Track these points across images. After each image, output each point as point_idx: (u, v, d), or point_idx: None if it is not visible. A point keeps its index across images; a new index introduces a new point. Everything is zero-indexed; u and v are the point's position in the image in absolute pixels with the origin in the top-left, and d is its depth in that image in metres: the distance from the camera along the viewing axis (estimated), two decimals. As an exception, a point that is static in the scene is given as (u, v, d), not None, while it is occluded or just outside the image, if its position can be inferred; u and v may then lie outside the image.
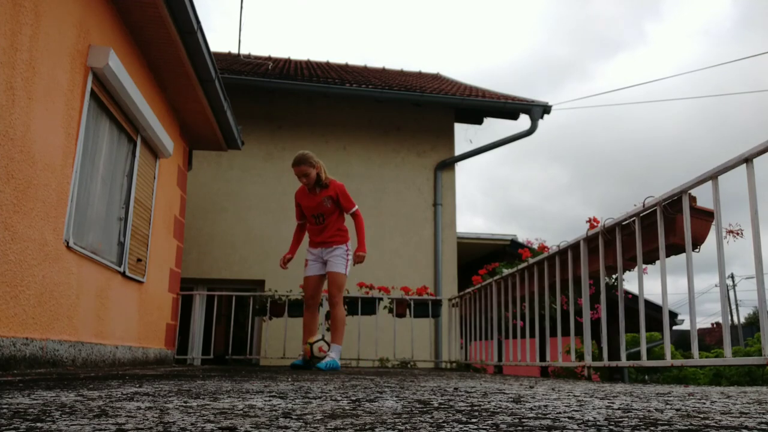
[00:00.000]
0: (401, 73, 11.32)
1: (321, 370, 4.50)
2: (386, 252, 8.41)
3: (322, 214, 4.87)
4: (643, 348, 3.25)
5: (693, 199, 2.97)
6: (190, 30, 4.49)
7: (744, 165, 2.51)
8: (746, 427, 1.01)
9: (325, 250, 4.89)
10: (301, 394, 1.72)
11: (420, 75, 11.48)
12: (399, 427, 0.99)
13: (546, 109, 8.73)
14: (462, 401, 1.51)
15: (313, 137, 8.68)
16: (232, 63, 9.47)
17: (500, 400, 1.55)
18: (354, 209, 4.92)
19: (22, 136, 2.97)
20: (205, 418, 1.09)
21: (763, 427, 1.02)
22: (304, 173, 4.79)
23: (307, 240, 5.13)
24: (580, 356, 4.04)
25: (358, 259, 4.91)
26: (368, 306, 6.70)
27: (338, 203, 4.88)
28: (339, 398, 1.57)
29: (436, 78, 11.27)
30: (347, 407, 1.32)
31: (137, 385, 2.03)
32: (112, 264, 4.35)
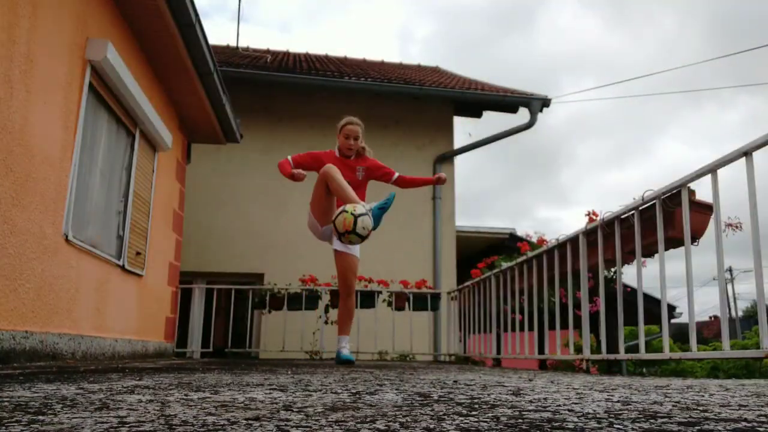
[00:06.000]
0: (400, 66, 11.29)
1: (341, 360, 4.14)
2: (385, 245, 8.39)
3: (350, 184, 4.10)
4: (642, 341, 3.26)
5: (692, 192, 2.98)
6: (188, 22, 4.47)
7: (743, 158, 2.52)
8: (745, 420, 1.01)
9: None
10: (301, 386, 1.73)
11: (419, 68, 11.46)
12: (400, 420, 0.99)
13: (545, 102, 8.72)
14: (462, 394, 1.52)
15: (312, 130, 8.65)
16: (231, 56, 9.44)
17: (500, 393, 1.56)
18: (397, 174, 4.57)
19: (20, 129, 2.97)
20: (206, 411, 1.10)
21: (763, 419, 1.03)
22: (356, 136, 4.34)
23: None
24: (578, 349, 4.05)
25: (442, 181, 4.56)
26: (367, 299, 6.71)
27: (371, 176, 4.48)
28: (339, 391, 1.57)
29: (435, 71, 11.25)
30: (347, 400, 1.32)
31: (137, 378, 2.04)
32: (111, 257, 4.35)
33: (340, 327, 4.34)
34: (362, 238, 3.68)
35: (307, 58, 10.70)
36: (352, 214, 3.63)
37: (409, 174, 4.97)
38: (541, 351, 4.69)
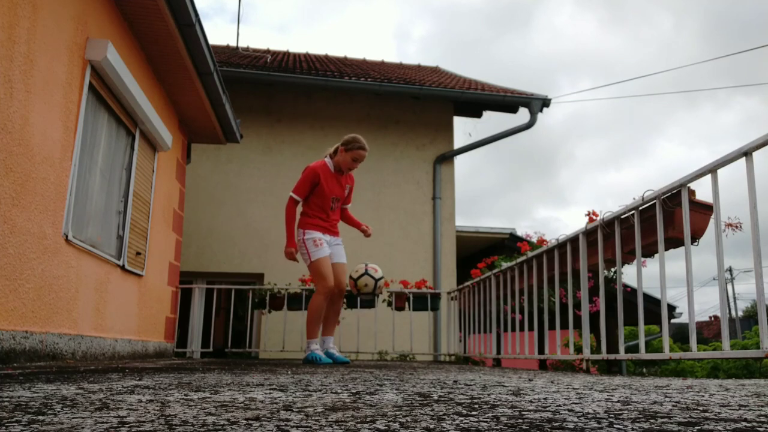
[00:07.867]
0: (400, 66, 11.29)
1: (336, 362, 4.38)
2: (385, 245, 8.40)
3: (339, 200, 4.66)
4: (642, 341, 3.26)
5: (692, 192, 2.98)
6: (188, 22, 4.47)
7: (743, 158, 2.52)
8: (745, 420, 1.01)
9: (333, 239, 4.64)
10: (302, 386, 1.72)
11: (419, 68, 11.46)
12: (400, 420, 0.99)
13: (545, 102, 8.72)
14: (462, 394, 1.52)
15: (312, 131, 8.66)
16: (231, 56, 9.44)
17: (500, 393, 1.56)
18: (350, 205, 4.85)
19: (20, 129, 2.97)
20: (206, 411, 1.10)
21: (763, 419, 1.03)
22: (362, 161, 4.54)
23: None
24: (578, 349, 4.05)
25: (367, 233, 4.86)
26: (367, 299, 6.71)
27: (348, 195, 4.77)
28: (339, 391, 1.57)
29: (435, 71, 11.24)
30: (347, 400, 1.32)
31: (137, 378, 2.04)
32: (112, 257, 4.35)
33: (329, 328, 4.64)
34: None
35: (307, 58, 10.70)
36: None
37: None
38: (541, 351, 4.69)
